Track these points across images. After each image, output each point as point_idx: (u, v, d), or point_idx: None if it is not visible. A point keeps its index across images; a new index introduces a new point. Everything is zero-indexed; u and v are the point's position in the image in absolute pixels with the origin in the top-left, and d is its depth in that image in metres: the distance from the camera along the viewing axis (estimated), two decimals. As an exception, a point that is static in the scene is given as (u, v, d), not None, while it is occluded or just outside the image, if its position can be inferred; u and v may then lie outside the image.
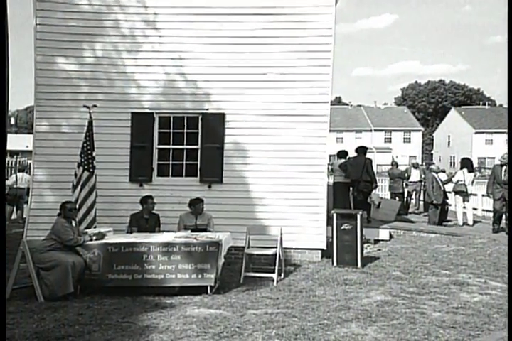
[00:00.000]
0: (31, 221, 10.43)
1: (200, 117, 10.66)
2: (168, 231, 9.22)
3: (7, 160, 22.28)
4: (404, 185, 18.39)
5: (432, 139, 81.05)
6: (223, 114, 10.59)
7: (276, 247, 8.99)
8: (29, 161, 22.78)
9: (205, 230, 9.28)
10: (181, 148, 10.77)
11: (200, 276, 7.77)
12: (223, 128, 10.59)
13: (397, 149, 68.60)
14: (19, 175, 16.17)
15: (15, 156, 27.10)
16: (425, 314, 6.68)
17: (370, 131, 72.12)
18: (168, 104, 10.65)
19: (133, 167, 10.59)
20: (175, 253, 7.82)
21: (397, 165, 18.99)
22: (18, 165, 21.22)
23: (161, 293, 7.67)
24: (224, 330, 5.91)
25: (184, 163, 10.78)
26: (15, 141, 41.46)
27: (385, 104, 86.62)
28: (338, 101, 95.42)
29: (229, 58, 10.58)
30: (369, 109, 77.78)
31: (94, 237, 8.05)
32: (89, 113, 9.79)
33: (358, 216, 9.87)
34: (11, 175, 18.72)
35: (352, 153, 14.30)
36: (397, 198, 17.76)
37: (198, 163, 10.67)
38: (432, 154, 78.55)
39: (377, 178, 15.05)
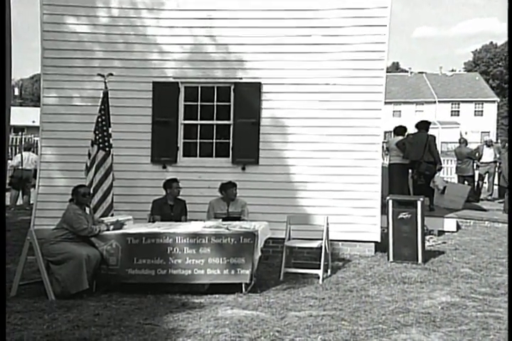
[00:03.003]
0: (39, 207, 10.64)
1: (232, 87, 10.67)
2: (196, 220, 9.29)
3: (11, 137, 22.72)
4: (474, 167, 18.15)
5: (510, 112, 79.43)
6: (259, 84, 10.58)
7: (321, 239, 9.00)
8: (36, 139, 23.23)
9: (238, 219, 9.34)
10: (211, 123, 10.82)
11: (233, 272, 7.84)
12: (259, 100, 10.58)
13: (466, 124, 67.47)
14: (25, 154, 16.46)
15: (20, 133, 27.61)
16: (501, 319, 6.61)
17: (434, 102, 71.03)
18: (196, 72, 10.68)
19: (155, 146, 10.69)
20: (204, 246, 7.89)
21: (466, 143, 18.72)
22: (23, 143, 21.65)
23: (188, 291, 7.76)
24: (261, 335, 5.96)
25: (214, 141, 10.83)
26: (19, 115, 42.20)
27: (452, 70, 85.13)
28: (395, 67, 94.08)
29: (266, 17, 10.52)
30: (433, 77, 76.51)
31: (111, 227, 8.15)
32: (105, 82, 9.89)
33: (419, 203, 9.80)
34: (15, 154, 19.09)
35: (412, 129, 14.14)
36: (466, 182, 17.54)
37: (230, 141, 10.71)
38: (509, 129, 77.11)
39: (441, 159, 14.88)
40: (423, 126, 13.58)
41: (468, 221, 13.32)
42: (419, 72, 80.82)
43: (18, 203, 16.30)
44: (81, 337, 5.92)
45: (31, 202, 15.22)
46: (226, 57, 10.63)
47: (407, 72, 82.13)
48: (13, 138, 23.29)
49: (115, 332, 6.07)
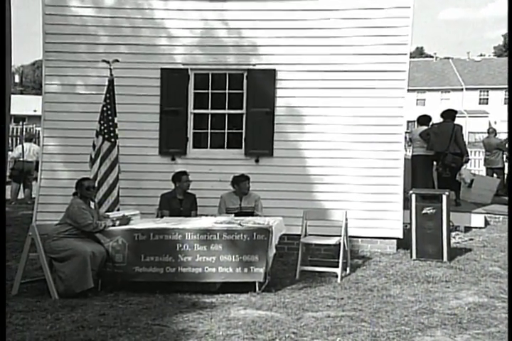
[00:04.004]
0: (41, 201, 10.71)
1: (245, 74, 10.67)
2: (206, 215, 9.33)
3: (11, 127, 22.82)
4: (504, 159, 18.05)
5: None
6: (274, 71, 10.57)
7: (340, 235, 9.00)
8: (38, 129, 23.32)
9: (251, 214, 9.37)
10: (222, 112, 10.83)
11: (246, 270, 7.86)
12: (274, 87, 10.58)
13: (495, 113, 67.06)
14: (26, 145, 16.51)
15: (21, 123, 27.73)
16: (531, 320, 6.61)
17: (461, 90, 70.66)
18: (206, 58, 10.68)
19: (163, 136, 10.71)
20: (215, 243, 7.92)
21: (495, 134, 18.60)
22: (24, 133, 21.72)
23: (199, 290, 7.81)
24: (276, 336, 5.98)
25: (226, 131, 10.85)
26: (20, 104, 42.35)
27: (481, 55, 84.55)
28: (419, 52, 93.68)
29: (281, -1, 10.51)
30: (460, 62, 76.09)
31: (117, 222, 8.20)
32: (110, 69, 9.90)
33: (444, 197, 9.77)
34: (16, 145, 19.18)
35: (437, 119, 14.08)
36: (494, 175, 17.46)
37: (243, 131, 10.72)
38: (541, 119, 76.38)
39: (468, 150, 14.82)
40: (449, 115, 13.50)
41: (497, 216, 13.25)
42: (445, 58, 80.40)
43: (19, 197, 16.38)
44: (86, 338, 5.95)
45: (33, 195, 15.29)
46: (239, 42, 10.63)
47: (432, 57, 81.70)
48: (13, 129, 23.36)
49: (122, 333, 6.10)
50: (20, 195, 16.50)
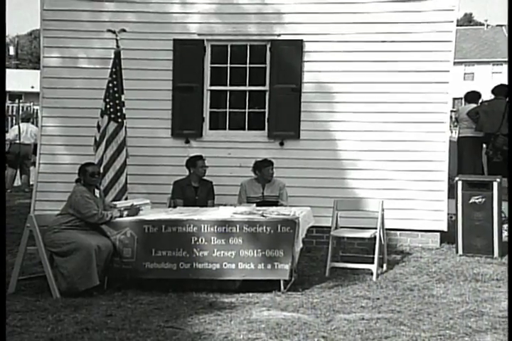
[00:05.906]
0: (40, 189, 10.80)
1: (268, 46, 10.65)
2: (225, 204, 9.36)
3: (6, 105, 22.94)
4: None
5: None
6: (301, 41, 10.54)
7: (375, 228, 9.01)
8: (36, 107, 23.43)
9: (275, 204, 9.40)
10: (243, 89, 10.84)
11: (269, 267, 7.87)
12: (301, 61, 10.56)
13: (554, 88, 66.42)
14: (23, 126, 16.57)
15: (17, 101, 27.83)
16: None
17: (515, 62, 70.00)
18: (225, 27, 10.67)
19: (176, 116, 10.74)
20: (235, 236, 7.93)
21: (553, 112, 18.44)
22: (21, 112, 21.86)
23: (216, 288, 7.84)
24: (304, 341, 6.05)
25: (246, 110, 10.86)
26: (16, 80, 42.54)
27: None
28: (468, 20, 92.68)
29: (310, -40, 10.47)
30: (513, 31, 75.28)
31: (125, 212, 8.22)
32: (116, 40, 9.91)
33: (495, 184, 9.72)
34: (11, 126, 19.30)
35: (487, 95, 13.97)
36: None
37: (266, 110, 10.72)
38: None
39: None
40: (501, 91, 13.36)
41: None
42: (498, 25, 79.32)
43: (15, 184, 16.47)
44: (91, 341, 6.04)
45: (31, 182, 15.39)
46: (261, 9, 10.60)
47: (482, 25, 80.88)
48: (8, 107, 23.49)
49: (131, 336, 6.14)
50: (17, 182, 16.60)
